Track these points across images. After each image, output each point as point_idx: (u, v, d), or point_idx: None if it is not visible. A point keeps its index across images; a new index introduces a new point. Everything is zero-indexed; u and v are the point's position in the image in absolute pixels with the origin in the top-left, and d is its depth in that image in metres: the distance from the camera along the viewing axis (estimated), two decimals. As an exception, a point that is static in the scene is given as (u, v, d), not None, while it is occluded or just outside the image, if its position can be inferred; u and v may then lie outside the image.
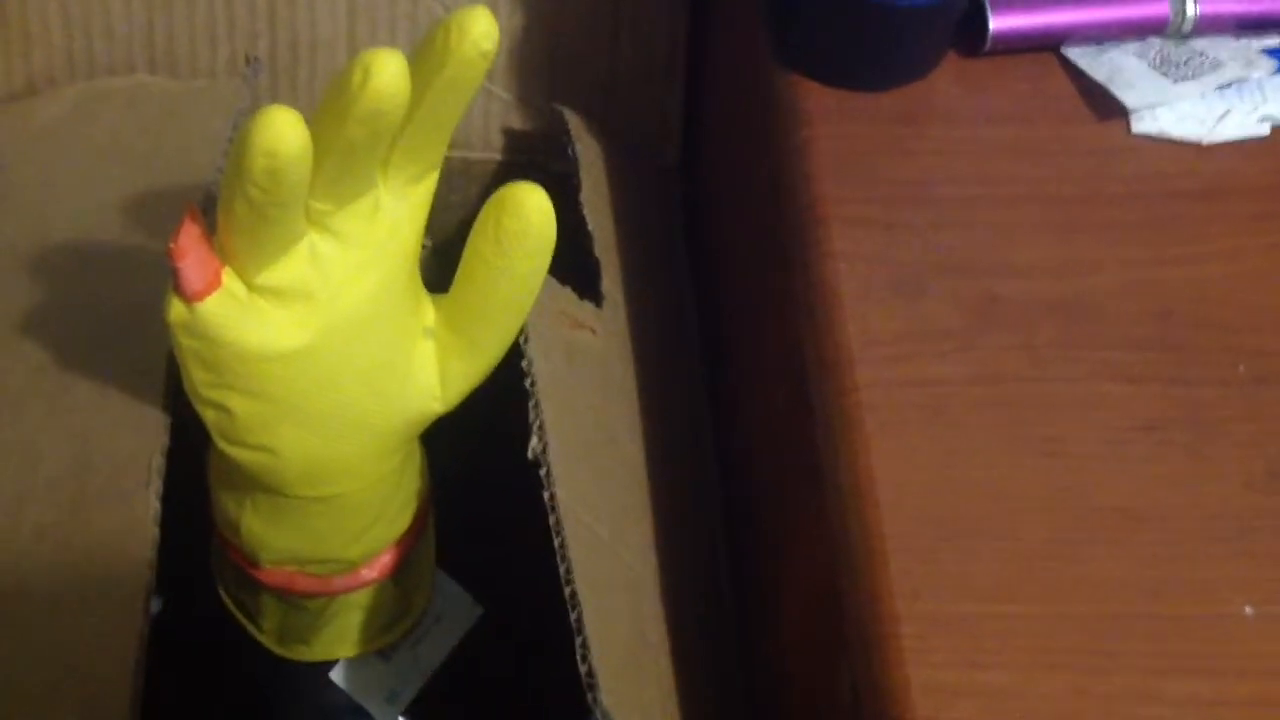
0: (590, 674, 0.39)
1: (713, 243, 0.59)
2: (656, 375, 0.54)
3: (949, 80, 0.46)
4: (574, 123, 0.58)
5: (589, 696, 0.39)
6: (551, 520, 0.42)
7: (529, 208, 0.40)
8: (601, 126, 0.60)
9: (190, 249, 0.37)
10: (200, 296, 0.38)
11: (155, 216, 0.51)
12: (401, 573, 0.52)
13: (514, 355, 0.45)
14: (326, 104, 0.36)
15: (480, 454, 0.55)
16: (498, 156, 0.62)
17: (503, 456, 0.55)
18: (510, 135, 0.62)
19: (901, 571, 0.38)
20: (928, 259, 0.43)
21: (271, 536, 0.47)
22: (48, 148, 0.56)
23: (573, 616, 0.40)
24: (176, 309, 0.38)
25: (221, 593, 0.53)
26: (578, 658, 0.39)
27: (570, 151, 0.56)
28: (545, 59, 0.60)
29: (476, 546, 0.57)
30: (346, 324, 0.41)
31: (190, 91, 0.55)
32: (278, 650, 0.53)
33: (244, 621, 0.53)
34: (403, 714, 0.55)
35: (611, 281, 0.54)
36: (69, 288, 0.50)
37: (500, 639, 0.57)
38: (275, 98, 0.59)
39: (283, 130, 0.34)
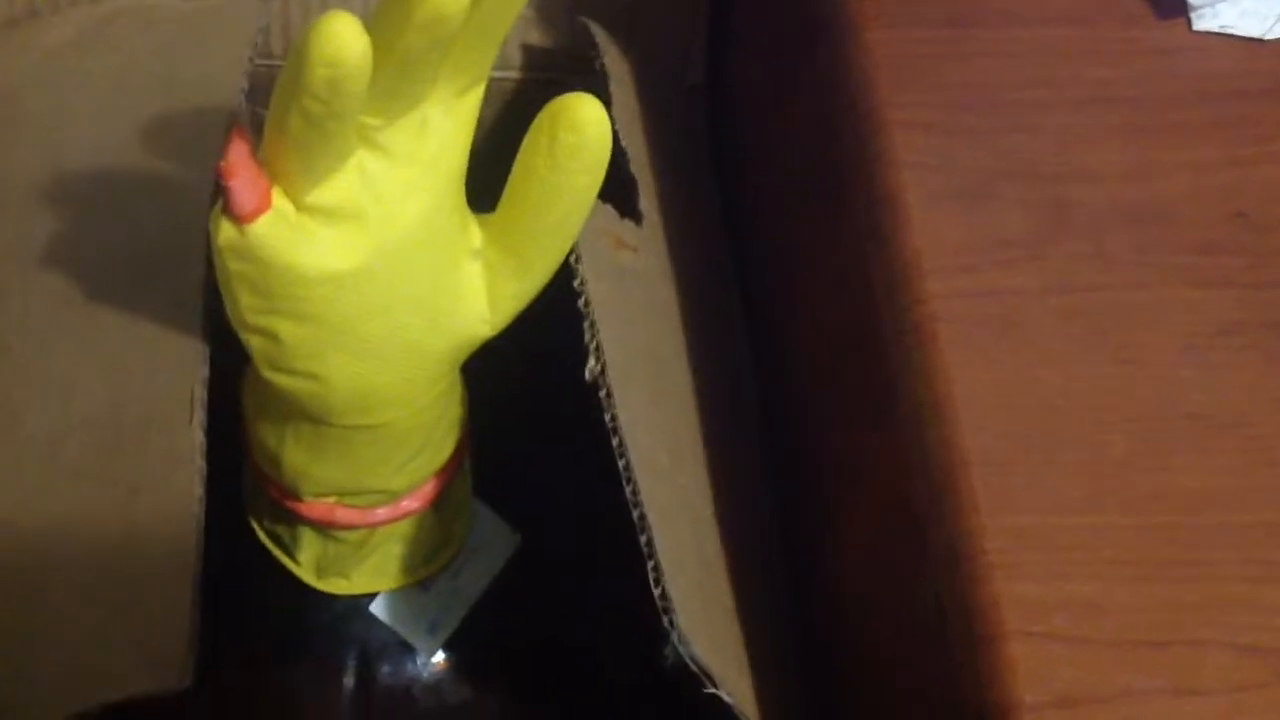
0: (665, 597, 0.38)
1: (744, 165, 0.58)
2: (697, 296, 0.53)
3: (1004, -19, 0.45)
4: (601, 37, 0.56)
5: (665, 620, 0.38)
6: (615, 443, 0.40)
7: (585, 120, 0.39)
8: (625, 43, 0.58)
9: (240, 167, 0.36)
10: (252, 217, 0.36)
11: (177, 143, 0.49)
12: (442, 503, 0.51)
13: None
14: (384, 10, 0.34)
15: (514, 379, 0.54)
16: (517, 74, 0.61)
17: (537, 382, 0.54)
18: (530, 52, 0.60)
19: (984, 486, 0.37)
20: (994, 165, 0.42)
21: (314, 468, 0.46)
22: (58, 74, 0.53)
23: (643, 540, 0.39)
24: (226, 231, 0.37)
25: (256, 527, 0.52)
26: (650, 581, 0.38)
27: (598, 66, 0.54)
28: (566, -27, 0.58)
29: (512, 475, 0.56)
30: (397, 245, 0.39)
31: (205, 11, 0.53)
32: (316, 584, 0.52)
33: (281, 556, 0.52)
34: (444, 646, 0.54)
35: (647, 200, 0.52)
36: (92, 219, 0.48)
37: (539, 568, 0.56)
38: (288, 18, 0.57)
39: (346, 38, 0.32)
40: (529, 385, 0.54)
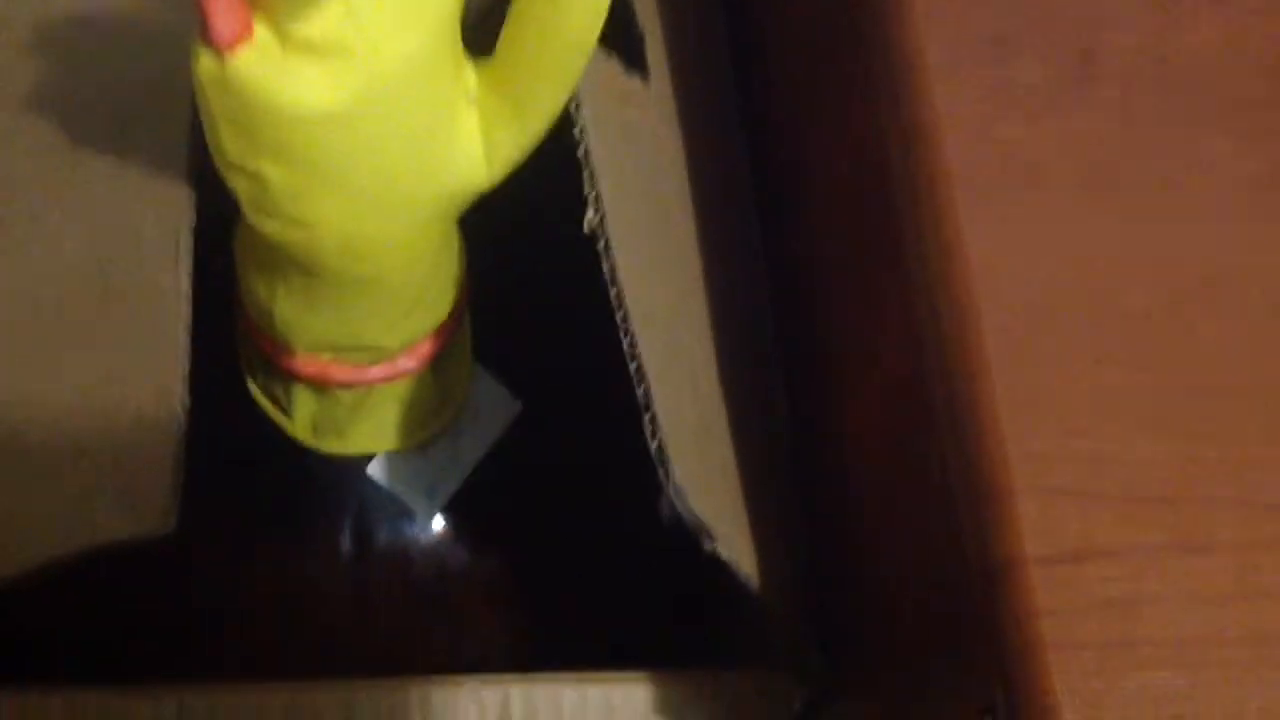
0: (661, 449, 0.37)
1: (757, 22, 0.56)
2: (704, 156, 0.51)
3: None
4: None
5: (661, 472, 0.37)
6: (612, 293, 0.39)
7: (585, -48, 0.37)
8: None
9: (219, -9, 0.34)
10: (231, 45, 0.35)
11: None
12: (440, 364, 0.50)
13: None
14: None
15: (515, 242, 0.52)
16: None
17: (540, 245, 0.53)
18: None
19: (994, 343, 0.35)
20: (1015, 14, 0.40)
21: (306, 322, 0.45)
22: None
23: (639, 392, 0.38)
24: (205, 63, 0.35)
25: (250, 385, 0.51)
26: (646, 434, 0.37)
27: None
28: None
29: (513, 340, 0.55)
30: (386, 85, 0.38)
31: None
32: (311, 444, 0.51)
33: (275, 414, 0.51)
34: (443, 509, 0.53)
35: (656, 56, 0.50)
36: (76, 64, 0.47)
37: (540, 433, 0.55)
38: None
39: None
40: (531, 249, 0.53)
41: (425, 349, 0.48)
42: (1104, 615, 0.33)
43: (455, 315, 0.48)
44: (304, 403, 0.50)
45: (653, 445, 0.37)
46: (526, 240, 0.52)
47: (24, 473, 0.40)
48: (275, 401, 0.51)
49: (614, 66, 0.47)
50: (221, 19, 0.34)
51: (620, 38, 0.48)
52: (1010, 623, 0.33)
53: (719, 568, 0.41)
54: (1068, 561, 0.33)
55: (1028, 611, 0.33)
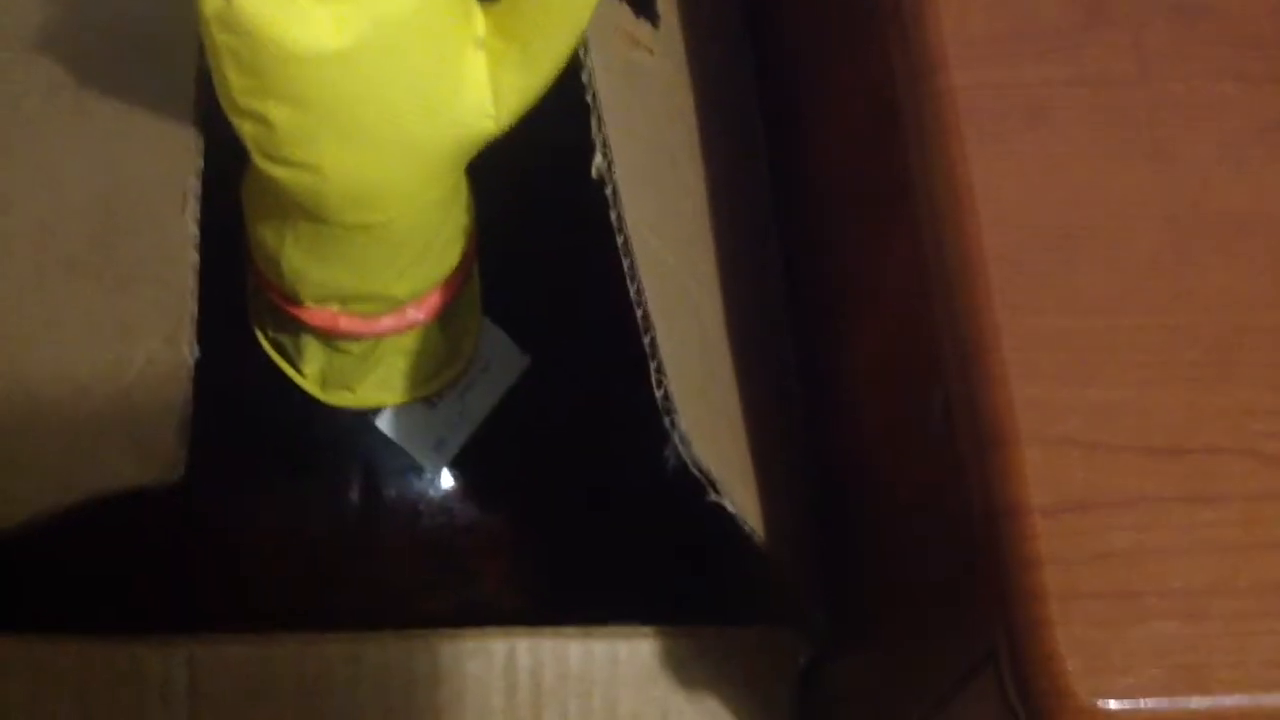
0: (667, 398, 0.37)
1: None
2: (714, 103, 0.51)
3: None
4: None
5: (666, 420, 0.37)
6: (619, 241, 0.39)
7: (594, -108, 0.37)
8: None
9: (223, -74, 0.34)
10: (236, -17, 0.34)
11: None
12: (448, 317, 0.50)
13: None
14: None
15: (523, 192, 0.52)
16: None
17: (548, 197, 0.52)
18: None
19: (1002, 283, 0.35)
20: (1028, -47, 0.39)
21: (314, 270, 0.45)
22: None
23: (646, 340, 0.38)
24: (211, 0, 0.35)
25: (260, 336, 0.51)
26: (653, 382, 0.37)
27: None
28: None
29: (521, 295, 0.55)
30: (393, 25, 0.37)
31: None
32: (320, 396, 0.51)
33: (284, 366, 0.51)
34: (451, 463, 0.53)
35: (666, 3, 0.50)
36: (79, 2, 0.46)
37: (547, 387, 0.55)
38: None
39: None
40: (538, 198, 0.52)
41: (434, 300, 0.48)
42: (1109, 565, 0.33)
43: (464, 266, 0.48)
44: (313, 355, 0.50)
45: (659, 393, 0.37)
46: (534, 191, 0.51)
47: (30, 418, 0.40)
48: (284, 353, 0.51)
49: (623, 9, 0.47)
50: (225, -45, 0.34)
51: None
52: (1013, 570, 0.33)
53: (724, 520, 0.40)
54: (1072, 510, 0.33)
55: (1030, 559, 0.33)
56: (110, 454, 0.39)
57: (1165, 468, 0.33)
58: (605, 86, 0.41)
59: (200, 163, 0.42)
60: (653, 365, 0.38)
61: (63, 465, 0.39)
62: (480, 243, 0.49)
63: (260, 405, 0.52)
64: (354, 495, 0.53)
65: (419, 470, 0.53)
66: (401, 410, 0.53)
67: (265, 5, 0.35)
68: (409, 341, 0.50)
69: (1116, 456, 0.33)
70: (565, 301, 0.55)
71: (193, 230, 0.41)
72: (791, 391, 0.48)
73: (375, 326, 0.48)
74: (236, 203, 0.46)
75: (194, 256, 0.40)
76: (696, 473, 0.38)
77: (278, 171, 0.40)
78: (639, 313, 0.38)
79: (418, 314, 0.48)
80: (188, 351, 0.39)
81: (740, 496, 0.40)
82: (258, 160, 0.40)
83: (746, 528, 0.40)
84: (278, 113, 0.38)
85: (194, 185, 0.41)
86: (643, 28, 0.47)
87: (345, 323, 0.47)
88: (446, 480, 0.53)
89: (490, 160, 0.43)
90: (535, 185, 0.52)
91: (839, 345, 0.45)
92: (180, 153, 0.42)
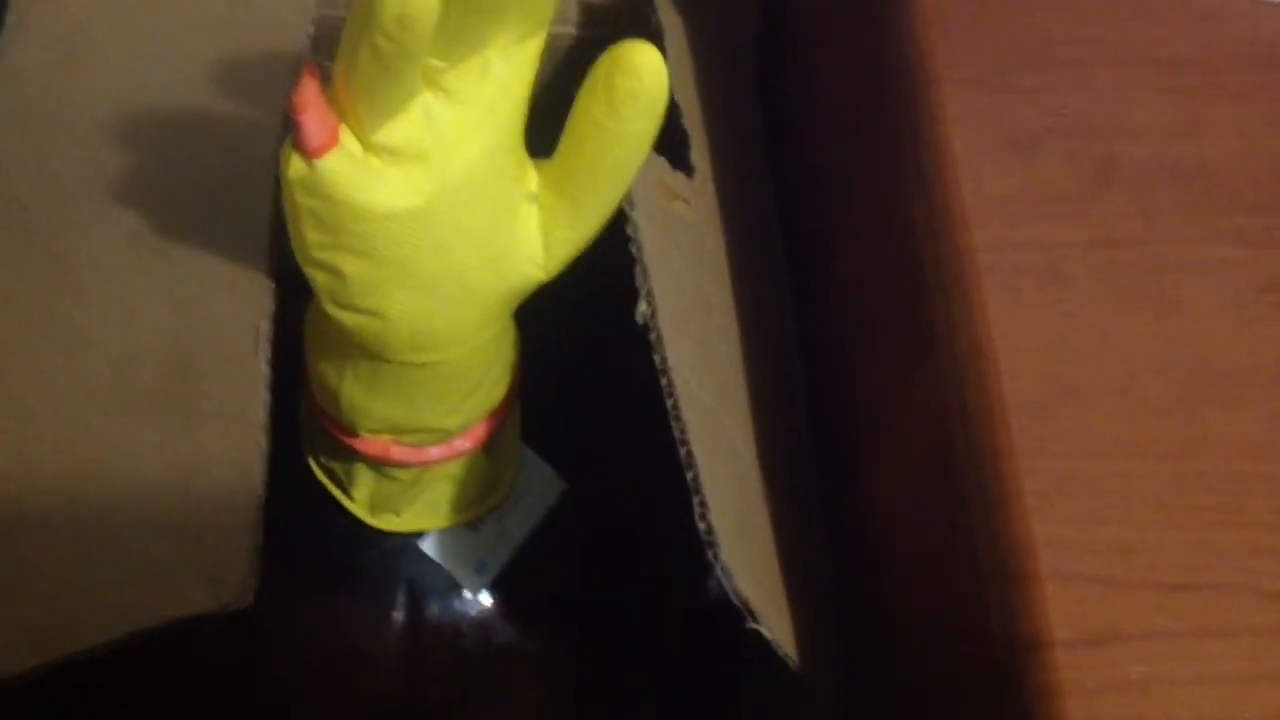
0: (709, 531, 0.39)
1: (793, 116, 0.59)
2: (743, 248, 0.54)
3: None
4: (657, -9, 0.57)
5: (709, 553, 0.39)
6: (664, 383, 0.42)
7: (642, 66, 0.40)
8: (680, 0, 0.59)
9: (311, 103, 0.37)
10: (320, 152, 0.38)
11: (245, 84, 0.50)
12: (493, 445, 0.53)
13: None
14: (453, -48, 0.35)
15: (562, 329, 0.55)
16: (574, 31, 0.62)
17: (584, 333, 0.55)
18: (586, 9, 0.61)
19: (1022, 429, 0.38)
20: (1041, 120, 0.42)
21: (371, 404, 0.48)
22: (130, 13, 0.55)
23: (689, 475, 0.40)
24: (296, 166, 0.38)
25: (312, 464, 0.54)
26: (696, 516, 0.40)
27: (653, 21, 0.55)
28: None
29: (559, 424, 0.58)
30: (457, 186, 0.41)
31: (273, -41, 0.55)
32: (369, 520, 0.54)
33: (335, 492, 0.54)
34: (491, 585, 0.56)
35: (699, 153, 0.53)
36: (161, 154, 0.50)
37: (584, 513, 0.57)
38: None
39: (416, -24, 0.33)
40: (576, 336, 0.55)
41: (481, 430, 0.51)
42: (1125, 695, 0.35)
43: (509, 399, 0.51)
44: (364, 482, 0.53)
45: (701, 526, 0.40)
46: (574, 328, 0.54)
47: (108, 547, 0.42)
48: (335, 479, 0.54)
49: (662, 164, 0.50)
50: (314, 128, 0.37)
51: (667, 139, 0.51)
52: (1036, 701, 0.35)
53: (760, 644, 0.43)
54: (1092, 645, 0.35)
55: (1053, 690, 0.35)
56: (185, 581, 0.41)
57: (1177, 603, 0.36)
58: (648, 238, 0.44)
59: (272, 305, 0.44)
60: (695, 500, 0.40)
61: (138, 593, 0.41)
62: (523, 372, 0.51)
63: (311, 529, 0.54)
64: (398, 615, 0.55)
65: (460, 591, 0.55)
66: (445, 533, 0.55)
67: (343, 168, 0.38)
68: (455, 469, 0.53)
69: (1131, 592, 0.36)
70: (599, 433, 0.58)
71: (264, 369, 0.43)
72: (817, 523, 0.50)
73: (424, 455, 0.50)
74: (292, 339, 0.49)
75: (265, 394, 0.43)
76: (737, 602, 0.40)
77: (345, 317, 0.43)
78: (682, 450, 0.41)
79: (465, 443, 0.51)
80: (259, 484, 0.42)
81: (776, 624, 0.42)
82: (327, 307, 0.43)
83: (782, 653, 0.42)
84: (350, 265, 0.41)
85: (266, 327, 0.44)
86: (679, 179, 0.50)
87: (397, 452, 0.50)
88: (486, 601, 0.56)
89: (536, 300, 0.46)
90: (575, 320, 0.54)
91: (861, 479, 0.48)
92: (254, 295, 0.45)
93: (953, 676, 0.40)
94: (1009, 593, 0.36)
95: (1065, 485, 0.37)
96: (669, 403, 0.41)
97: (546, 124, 0.44)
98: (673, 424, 0.41)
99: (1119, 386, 0.39)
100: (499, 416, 0.51)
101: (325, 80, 0.38)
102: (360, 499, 0.54)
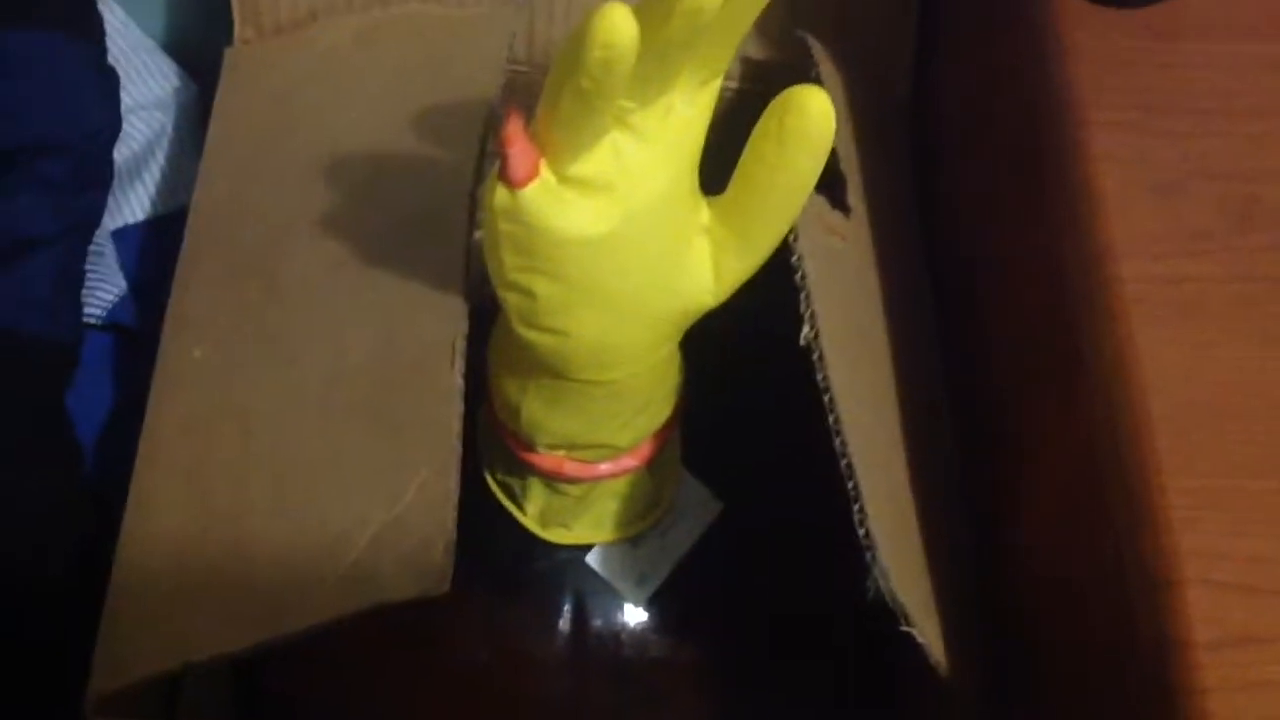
0: (868, 535, 0.42)
1: (944, 160, 0.62)
2: (894, 285, 0.57)
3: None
4: (816, 48, 0.61)
5: (867, 554, 0.42)
6: (825, 399, 0.45)
7: (812, 108, 0.43)
8: (838, 54, 0.63)
9: (517, 138, 0.41)
10: (523, 183, 0.42)
11: (441, 132, 0.55)
12: (656, 464, 0.56)
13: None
14: (648, 3, 0.39)
15: (724, 354, 0.58)
16: (736, 85, 0.66)
17: (745, 357, 0.59)
18: (748, 64, 0.65)
19: (1167, 449, 0.40)
20: (1186, 163, 0.45)
21: (550, 420, 0.52)
22: (334, 71, 0.61)
23: (850, 485, 0.43)
24: (501, 195, 0.43)
25: (489, 479, 0.58)
26: (855, 522, 0.43)
27: (813, 74, 0.59)
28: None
29: (715, 445, 0.61)
30: (640, 216, 0.45)
31: (466, 19, 0.60)
32: (540, 533, 0.58)
33: (510, 506, 0.58)
34: (651, 598, 0.59)
35: (854, 195, 0.57)
36: (364, 193, 0.55)
37: (740, 532, 0.60)
38: (533, 28, 0.64)
39: (620, 23, 0.37)
40: (737, 360, 0.59)
41: (647, 448, 0.54)
42: (1265, 694, 0.37)
43: (674, 419, 0.55)
44: (537, 496, 0.57)
45: (860, 532, 0.43)
46: (736, 353, 0.58)
47: (320, 541, 0.47)
48: (511, 495, 0.58)
49: (822, 203, 0.53)
50: (519, 161, 0.41)
51: (825, 179, 0.55)
52: (1179, 699, 0.38)
53: (910, 650, 0.45)
54: (1232, 645, 0.38)
55: (1195, 688, 0.37)
56: (387, 570, 0.45)
57: (1314, 612, 0.38)
58: (811, 268, 0.48)
59: (466, 325, 0.49)
60: (855, 507, 0.43)
61: (349, 583, 0.45)
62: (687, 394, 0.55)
63: (486, 540, 0.58)
64: (564, 624, 0.59)
65: (622, 603, 0.59)
66: (609, 548, 0.59)
67: (542, 198, 0.43)
68: (621, 486, 0.56)
69: (1270, 599, 0.38)
70: (759, 452, 0.61)
71: (459, 383, 0.48)
72: (965, 542, 0.53)
73: (595, 471, 0.54)
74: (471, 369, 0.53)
75: (460, 405, 0.47)
76: (892, 603, 0.43)
77: (533, 336, 0.47)
78: (843, 463, 0.44)
79: (632, 461, 0.54)
80: (454, 482, 0.46)
81: (928, 630, 0.45)
82: (517, 326, 0.47)
83: (933, 659, 0.45)
84: (542, 286, 0.45)
85: (461, 345, 0.48)
86: (837, 217, 0.54)
87: (570, 468, 0.54)
88: (646, 613, 0.59)
89: (701, 326, 0.50)
90: (737, 346, 0.58)
91: (1014, 493, 0.51)
92: (450, 315, 0.49)
93: (1097, 684, 0.43)
94: (1153, 598, 0.39)
95: (1206, 500, 0.39)
96: (830, 418, 0.45)
97: (714, 170, 0.47)
98: (834, 438, 0.44)
99: (1257, 410, 0.41)
100: (664, 436, 0.55)
101: (528, 123, 0.43)
102: (533, 513, 0.57)
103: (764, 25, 0.64)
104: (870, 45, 0.65)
